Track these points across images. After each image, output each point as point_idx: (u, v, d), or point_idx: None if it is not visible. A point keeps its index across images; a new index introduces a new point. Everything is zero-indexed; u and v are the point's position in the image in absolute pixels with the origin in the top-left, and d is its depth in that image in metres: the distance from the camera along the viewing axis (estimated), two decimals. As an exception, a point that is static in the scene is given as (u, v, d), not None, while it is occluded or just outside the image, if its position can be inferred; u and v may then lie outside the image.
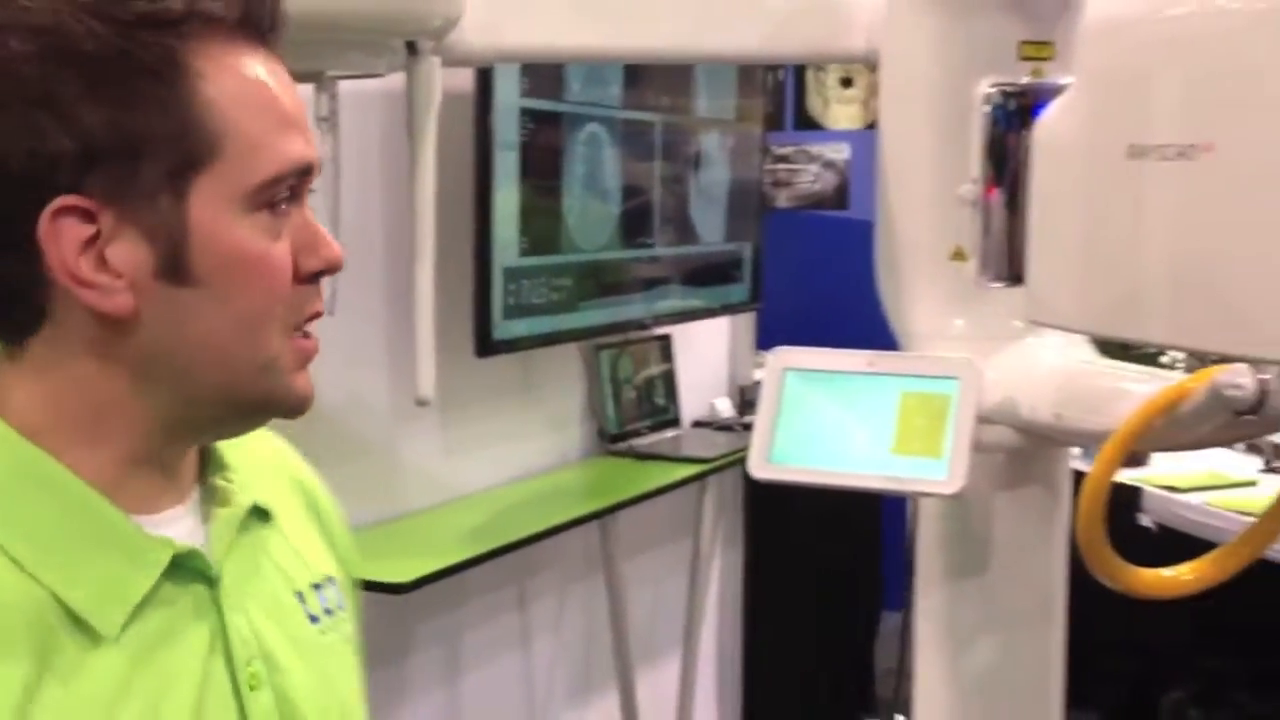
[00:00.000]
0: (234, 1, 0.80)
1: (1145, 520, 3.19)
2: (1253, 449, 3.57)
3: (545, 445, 3.10)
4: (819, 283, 4.39)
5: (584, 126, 2.98)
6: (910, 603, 1.61)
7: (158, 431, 0.82)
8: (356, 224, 1.43)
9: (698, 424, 3.59)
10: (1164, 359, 2.98)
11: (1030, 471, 1.49)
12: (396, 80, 1.61)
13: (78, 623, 0.77)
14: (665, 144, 3.29)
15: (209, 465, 0.88)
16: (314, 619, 0.91)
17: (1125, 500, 3.21)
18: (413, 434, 2.72)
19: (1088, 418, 1.31)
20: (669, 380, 3.46)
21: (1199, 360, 1.18)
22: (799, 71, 4.93)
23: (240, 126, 0.79)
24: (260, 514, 0.90)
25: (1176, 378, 1.20)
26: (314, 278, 0.84)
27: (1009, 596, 1.52)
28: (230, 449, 0.90)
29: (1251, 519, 1.34)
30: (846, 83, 4.95)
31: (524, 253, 2.80)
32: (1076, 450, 1.82)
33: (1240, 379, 1.09)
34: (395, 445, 2.69)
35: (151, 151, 0.77)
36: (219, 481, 0.88)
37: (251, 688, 0.84)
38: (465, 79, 2.58)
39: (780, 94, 4.98)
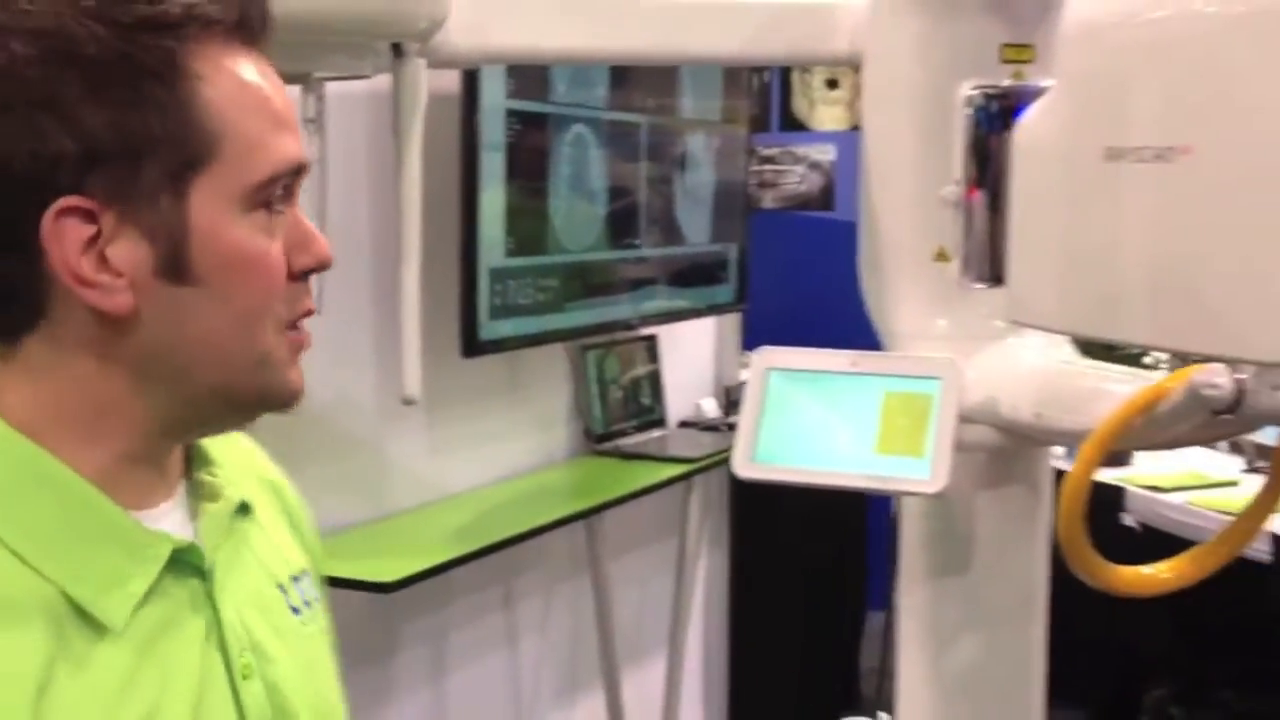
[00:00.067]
0: (230, 5, 0.81)
1: (1128, 520, 3.21)
2: (1235, 449, 3.59)
3: (531, 445, 3.11)
4: (804, 283, 4.40)
5: (570, 128, 2.99)
6: (894, 602, 1.62)
7: (155, 428, 0.84)
8: (343, 224, 1.43)
9: (683, 424, 3.60)
10: (1146, 359, 3.00)
11: (1012, 471, 1.50)
12: (382, 81, 1.62)
13: (83, 616, 0.79)
14: (651, 145, 3.30)
15: (194, 461, 0.90)
16: (295, 610, 0.94)
17: (1108, 500, 3.23)
18: (399, 434, 2.72)
19: (1067, 417, 1.32)
20: (655, 380, 3.47)
21: (1181, 361, 1.19)
22: (785, 73, 4.95)
23: (238, 127, 0.81)
24: (242, 508, 0.92)
25: (1156, 378, 1.21)
26: (305, 275, 0.86)
27: (991, 594, 1.53)
28: (212, 445, 0.91)
29: (1233, 518, 1.35)
30: (832, 84, 4.97)
31: (510, 253, 2.81)
32: (1059, 450, 1.83)
33: (1217, 379, 1.10)
34: (381, 445, 2.69)
35: (152, 152, 0.79)
36: (204, 477, 0.90)
37: (244, 677, 0.86)
38: (451, 80, 2.59)
39: (766, 95, 4.99)
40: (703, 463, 3.22)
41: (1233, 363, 1.09)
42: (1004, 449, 1.46)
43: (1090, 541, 1.24)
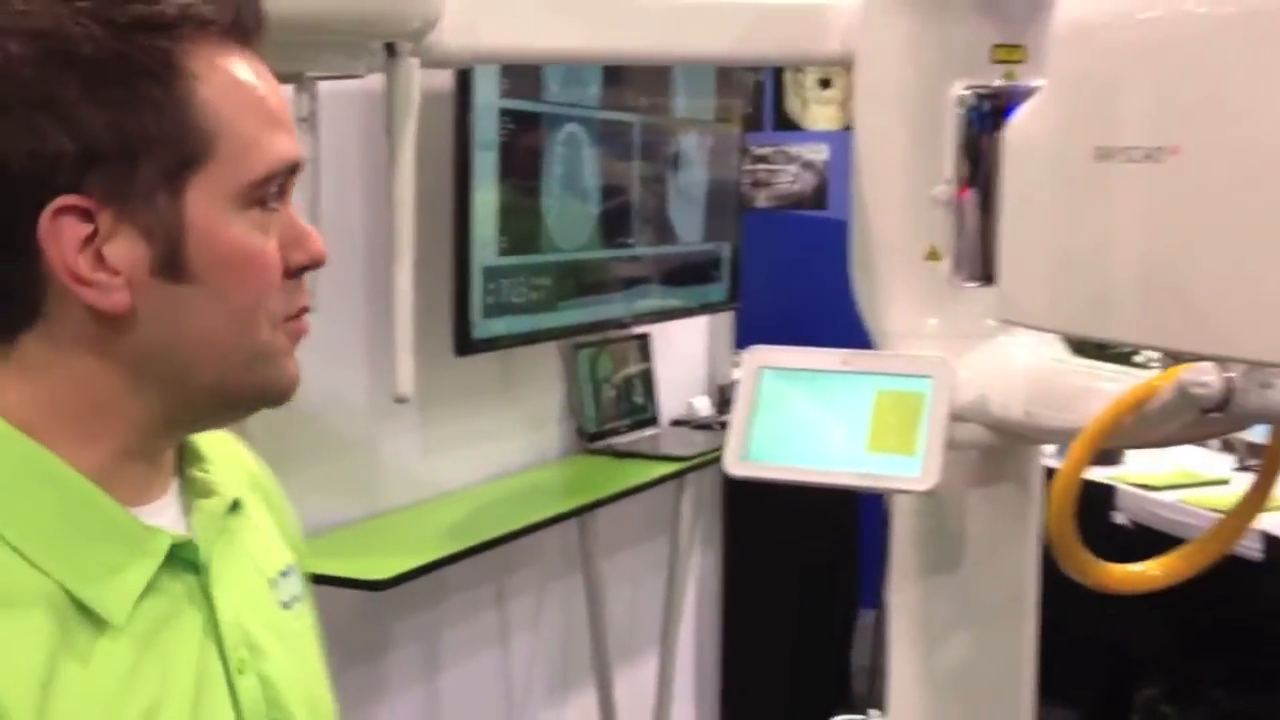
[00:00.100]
0: (225, 6, 0.82)
1: (1120, 518, 3.22)
2: (1227, 447, 3.60)
3: (524, 444, 3.11)
4: (798, 282, 4.40)
5: (563, 127, 2.99)
6: (886, 600, 1.63)
7: (151, 425, 0.84)
8: (336, 223, 1.43)
9: (676, 423, 3.60)
10: (1138, 358, 3.01)
11: (1003, 469, 1.51)
12: (375, 80, 1.62)
13: (85, 611, 0.79)
14: (644, 144, 3.30)
15: (185, 457, 0.90)
16: (285, 605, 0.95)
17: (1100, 498, 3.24)
18: (392, 432, 2.73)
19: (1058, 415, 1.32)
20: (647, 379, 3.48)
21: (1173, 359, 1.19)
22: (778, 72, 4.95)
23: (233, 126, 0.82)
24: (234, 505, 0.93)
25: (1146, 376, 1.22)
26: (300, 273, 0.87)
27: (982, 592, 1.53)
28: (202, 442, 0.92)
29: (1224, 516, 1.36)
30: (825, 84, 4.97)
31: (503, 252, 2.81)
32: (1051, 449, 1.84)
33: (1206, 377, 1.10)
34: (374, 443, 2.70)
35: (149, 151, 0.79)
36: (196, 473, 0.91)
37: (239, 672, 0.87)
38: (445, 79, 2.59)
39: (759, 95, 4.99)
40: (695, 461, 3.23)
41: (1221, 361, 1.10)
42: (995, 447, 1.46)
43: (1080, 539, 1.25)
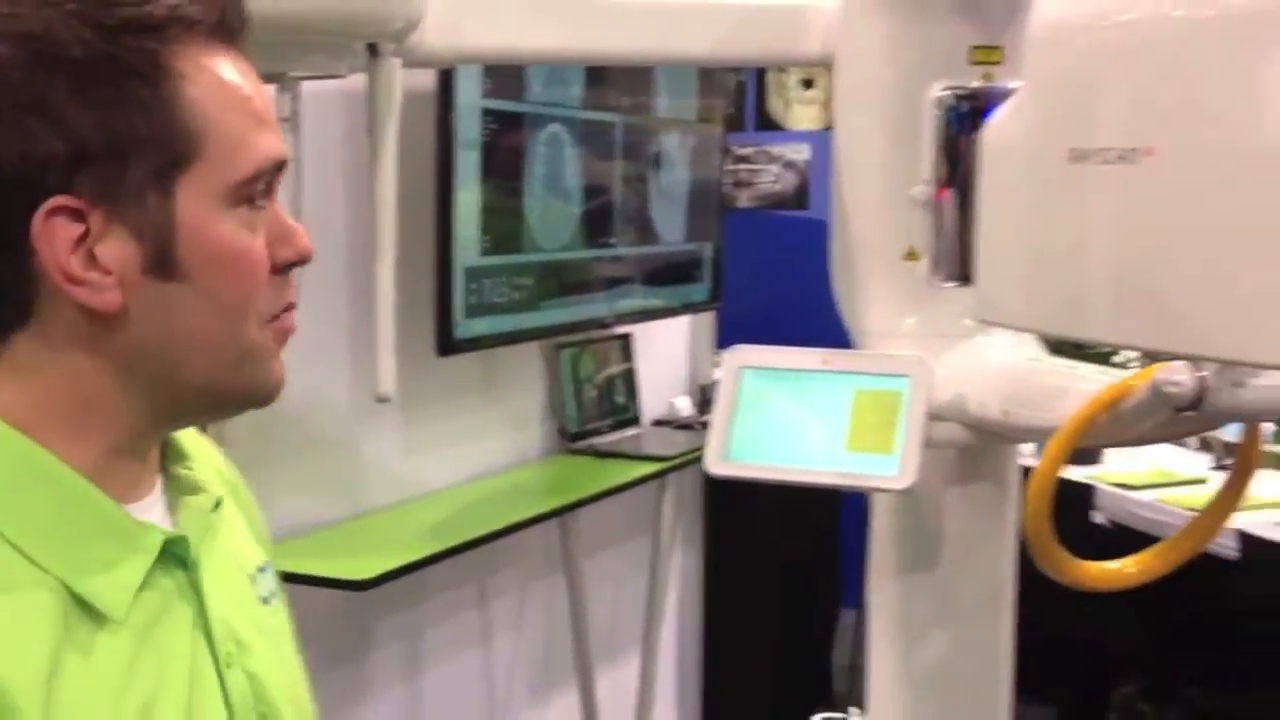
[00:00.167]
0: (212, 6, 0.83)
1: (1098, 517, 3.24)
2: (1204, 447, 3.62)
3: (506, 443, 3.12)
4: (779, 282, 4.42)
5: (545, 127, 2.99)
6: (866, 599, 1.64)
7: (141, 422, 0.86)
8: (318, 223, 1.43)
9: (658, 422, 3.61)
10: (1116, 358, 3.03)
11: (980, 468, 1.52)
12: (358, 80, 1.62)
13: (84, 606, 0.80)
14: (626, 144, 3.31)
15: (169, 454, 0.91)
16: (264, 600, 0.96)
17: (1079, 497, 3.25)
18: (374, 432, 2.73)
19: (1034, 414, 1.33)
20: (629, 379, 3.48)
21: (1151, 359, 1.21)
22: (760, 72, 4.96)
23: (221, 126, 0.82)
24: (218, 502, 0.94)
25: (1120, 376, 1.23)
26: (286, 269, 0.88)
27: (959, 590, 1.54)
28: (184, 439, 0.93)
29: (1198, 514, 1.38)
30: (807, 84, 4.98)
31: (485, 252, 2.82)
32: (1029, 448, 1.85)
33: (1179, 376, 1.12)
34: (356, 443, 2.70)
35: (138, 152, 0.80)
36: (181, 470, 0.92)
37: (228, 666, 0.88)
38: (427, 79, 2.59)
39: (742, 95, 5.00)
40: (677, 461, 3.23)
41: (1194, 360, 1.11)
42: (972, 446, 1.47)
43: (1056, 537, 1.26)
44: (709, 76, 3.63)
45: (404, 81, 1.58)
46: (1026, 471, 1.31)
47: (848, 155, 1.54)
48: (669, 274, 3.56)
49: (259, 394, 0.88)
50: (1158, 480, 3.37)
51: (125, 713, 0.80)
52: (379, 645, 2.79)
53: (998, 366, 1.42)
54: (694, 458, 3.16)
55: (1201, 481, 3.36)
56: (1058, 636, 2.67)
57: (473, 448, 3.01)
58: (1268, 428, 2.64)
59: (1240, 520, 2.81)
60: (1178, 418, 1.16)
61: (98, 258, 0.80)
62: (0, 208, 0.79)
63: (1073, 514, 3.12)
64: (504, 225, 2.88)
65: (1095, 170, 1.07)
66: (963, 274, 1.39)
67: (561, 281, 3.09)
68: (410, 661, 2.89)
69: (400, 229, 1.64)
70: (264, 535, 1.04)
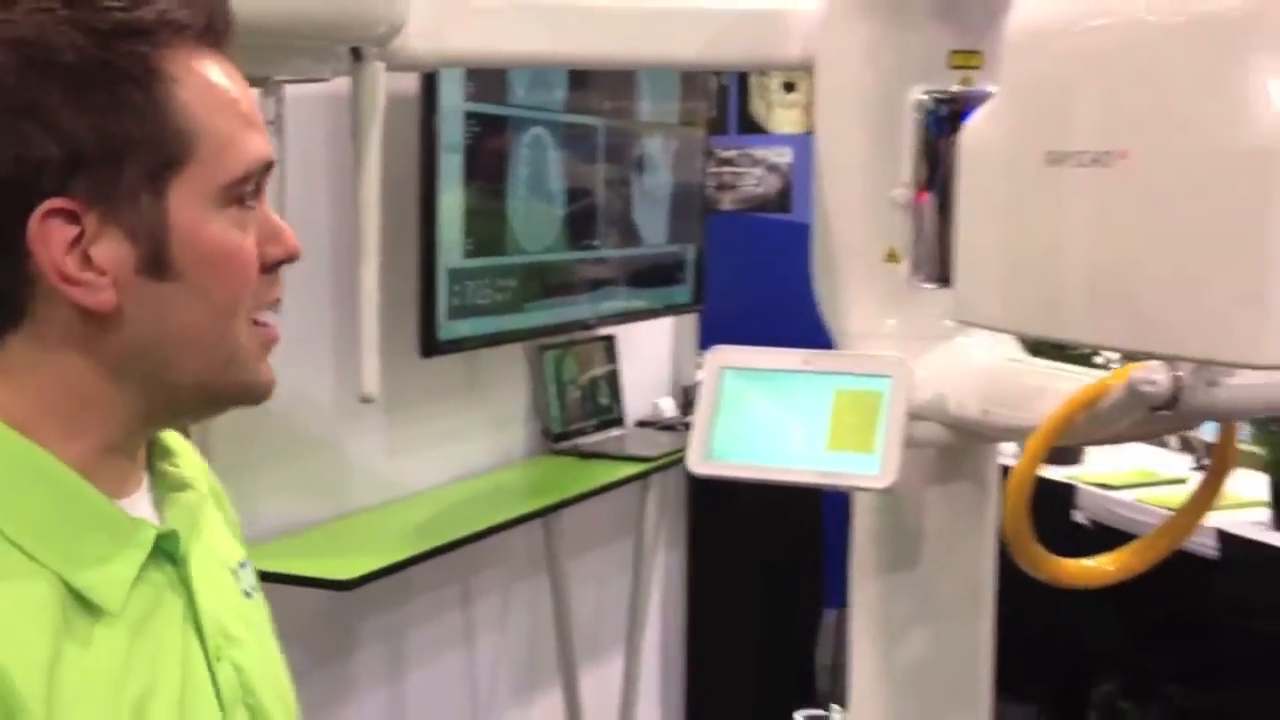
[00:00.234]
0: (199, 11, 0.84)
1: (1079, 517, 3.26)
2: (1186, 447, 3.64)
3: (489, 444, 3.13)
4: (762, 284, 4.43)
5: (528, 130, 3.00)
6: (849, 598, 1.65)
7: (134, 420, 0.87)
8: (302, 225, 1.43)
9: (641, 423, 3.62)
10: (1097, 359, 3.05)
11: (960, 467, 1.54)
12: (341, 84, 1.63)
13: (82, 600, 0.82)
14: (609, 147, 3.32)
15: (155, 451, 0.92)
16: (247, 595, 0.97)
17: (1060, 497, 3.27)
18: (358, 433, 2.73)
19: (1013, 414, 1.35)
20: (613, 380, 3.49)
21: (1129, 360, 1.22)
22: (743, 76, 4.98)
23: (211, 127, 0.84)
24: (202, 498, 0.95)
25: (1098, 376, 1.24)
26: (275, 267, 0.89)
27: (939, 589, 1.56)
28: (169, 437, 0.94)
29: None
30: (789, 87, 5.00)
31: (468, 254, 2.83)
32: (1010, 448, 1.86)
33: (1155, 376, 1.13)
34: (340, 444, 2.71)
35: (132, 154, 0.81)
36: (167, 467, 0.93)
37: (217, 658, 0.89)
38: (410, 82, 2.60)
39: (724, 98, 5.02)
40: (660, 461, 3.24)
41: (1169, 360, 1.13)
42: (952, 446, 1.49)
43: (1035, 535, 1.28)
44: (691, 80, 3.65)
45: (387, 85, 1.59)
46: (1006, 471, 1.33)
47: (829, 158, 1.55)
48: (652, 276, 3.57)
49: (250, 394, 0.90)
50: (1138, 480, 3.39)
51: (122, 703, 0.82)
52: (363, 645, 2.80)
53: (977, 366, 1.43)
54: (677, 458, 3.17)
55: (1182, 481, 3.39)
56: (1039, 635, 2.69)
57: (456, 449, 3.02)
58: (1244, 427, 2.66)
59: (1220, 519, 2.83)
60: (1154, 417, 1.17)
61: (93, 258, 0.82)
62: None
63: (1054, 513, 3.14)
64: (487, 227, 2.89)
65: (1070, 173, 1.09)
66: (943, 275, 1.40)
67: (545, 283, 3.10)
68: (394, 661, 2.90)
69: (384, 231, 1.65)
70: (239, 531, 1.05)
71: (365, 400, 1.67)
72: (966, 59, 1.45)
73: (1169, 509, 3.00)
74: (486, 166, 2.87)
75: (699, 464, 1.44)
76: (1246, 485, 2.92)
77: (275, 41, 1.43)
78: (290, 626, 1.03)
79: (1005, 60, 1.19)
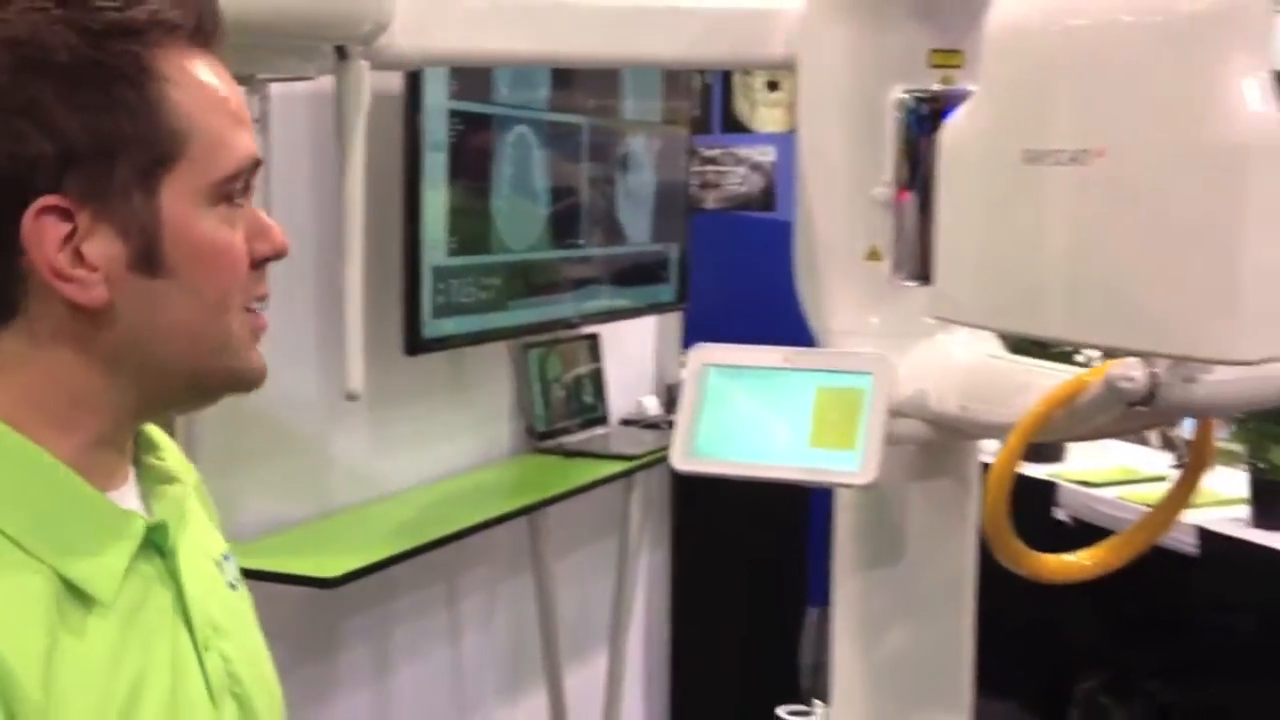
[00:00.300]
0: (190, 10, 0.85)
1: (1060, 514, 3.27)
2: (1167, 445, 3.66)
3: (474, 443, 3.13)
4: (745, 282, 4.44)
5: (512, 128, 3.01)
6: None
7: (125, 413, 0.89)
8: (286, 223, 1.44)
9: (625, 422, 3.63)
10: (1079, 358, 3.06)
11: (941, 464, 1.55)
12: (325, 82, 1.63)
13: (74, 591, 0.83)
14: (592, 146, 3.33)
15: (140, 445, 0.93)
16: (232, 586, 0.99)
17: (1041, 495, 3.28)
18: (342, 431, 2.74)
19: (992, 409, 1.36)
20: (597, 379, 3.50)
21: (1108, 356, 1.23)
22: (726, 75, 4.98)
23: (203, 126, 0.85)
24: (188, 491, 0.97)
25: (1076, 372, 1.25)
26: (262, 263, 0.91)
27: (921, 584, 1.57)
28: (154, 431, 0.95)
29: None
30: (773, 86, 5.01)
31: (453, 252, 2.83)
32: (992, 445, 1.87)
33: (1132, 372, 1.14)
34: (325, 442, 2.71)
35: (124, 152, 0.83)
36: (153, 461, 0.94)
37: (205, 649, 0.91)
38: (394, 80, 2.61)
39: (708, 97, 5.02)
40: (644, 460, 3.25)
41: (1146, 356, 1.14)
42: (933, 442, 1.50)
43: (1014, 530, 1.29)
44: (675, 79, 3.66)
45: (372, 83, 1.60)
46: (987, 468, 1.34)
47: (810, 157, 1.56)
48: (636, 274, 3.58)
49: (242, 380, 0.91)
50: (1119, 478, 3.41)
51: (117, 691, 0.83)
52: (347, 644, 2.80)
53: (957, 363, 1.44)
54: (661, 456, 3.16)
55: (1163, 479, 3.40)
56: (1020, 632, 2.70)
57: (441, 447, 3.02)
58: (1222, 425, 2.68)
59: (1199, 517, 2.85)
60: (1131, 412, 1.18)
61: (85, 255, 0.83)
62: None
63: (1035, 511, 3.16)
64: (471, 226, 2.90)
65: (1049, 171, 1.10)
66: (924, 273, 1.41)
67: (529, 282, 3.11)
68: (378, 660, 2.90)
69: (368, 229, 1.66)
70: (220, 525, 1.06)
71: (350, 397, 1.67)
72: (947, 58, 1.46)
73: (1150, 506, 3.02)
74: (470, 165, 2.87)
75: (682, 461, 1.45)
76: (1226, 483, 2.93)
77: (261, 39, 1.44)
78: (274, 625, 1.03)
79: (984, 59, 1.20)
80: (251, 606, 1.02)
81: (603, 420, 3.50)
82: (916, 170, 1.44)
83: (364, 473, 2.80)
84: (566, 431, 3.33)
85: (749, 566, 3.91)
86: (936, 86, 1.45)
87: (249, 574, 1.05)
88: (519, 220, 3.06)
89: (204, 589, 0.93)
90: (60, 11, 0.81)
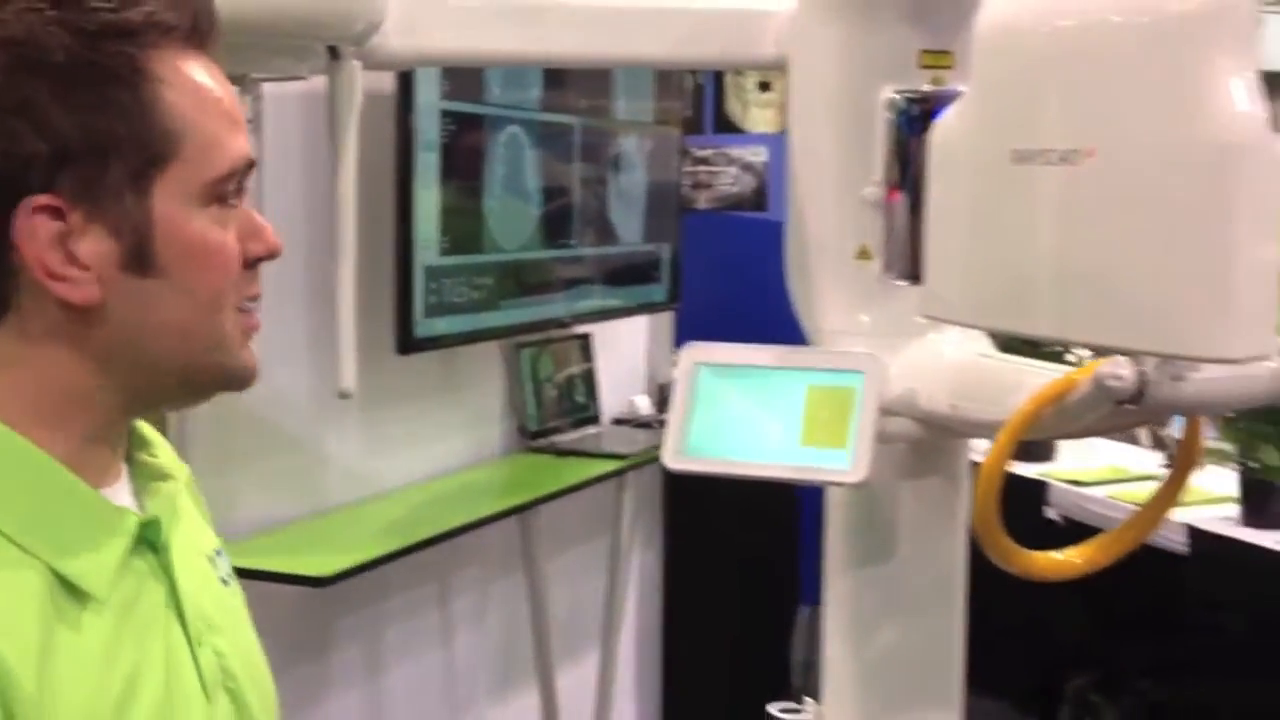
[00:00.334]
0: (185, 12, 0.86)
1: (1051, 513, 3.28)
2: (1158, 444, 3.66)
3: (466, 442, 3.14)
4: (737, 282, 4.44)
5: (504, 128, 3.02)
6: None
7: (117, 410, 0.89)
8: (279, 222, 1.44)
9: (617, 421, 3.64)
10: (1070, 357, 3.07)
11: (931, 462, 1.55)
12: (318, 82, 1.64)
13: (69, 587, 0.84)
14: (585, 146, 3.33)
15: (133, 442, 0.94)
16: (224, 582, 0.99)
17: (1032, 494, 3.29)
18: (334, 430, 2.74)
19: (982, 408, 1.36)
20: (589, 378, 3.51)
21: (1097, 355, 1.24)
22: (718, 75, 4.99)
23: (197, 127, 0.86)
24: (181, 487, 0.97)
25: (1066, 371, 1.26)
26: (255, 263, 0.91)
27: (911, 582, 1.57)
28: (146, 428, 0.96)
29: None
30: (765, 87, 5.01)
31: (445, 252, 2.84)
32: (983, 444, 1.88)
33: (1121, 370, 1.15)
34: (317, 441, 2.71)
35: (118, 152, 0.83)
36: (145, 457, 0.95)
37: (199, 643, 0.91)
38: (386, 80, 2.61)
39: (700, 97, 5.03)
40: (636, 459, 3.26)
41: (1135, 355, 1.14)
42: (923, 441, 1.50)
43: (1004, 528, 1.30)
44: (667, 79, 3.66)
45: (364, 83, 1.60)
46: (977, 466, 1.35)
47: (801, 157, 1.57)
48: (628, 274, 3.59)
49: (234, 379, 0.92)
50: (1110, 477, 3.41)
51: (111, 686, 0.83)
52: (339, 643, 2.81)
53: (948, 362, 1.45)
54: (653, 456, 3.17)
55: (1153, 478, 3.39)
56: (1011, 630, 2.71)
57: (433, 446, 3.03)
58: (1209, 425, 2.69)
59: (1189, 515, 2.86)
60: (1120, 410, 1.19)
61: (77, 254, 0.83)
62: None
63: (1026, 510, 3.16)
64: (463, 225, 2.90)
65: (1038, 171, 1.11)
66: (914, 273, 1.42)
67: (521, 281, 3.12)
68: (370, 659, 2.91)
69: (360, 229, 1.66)
70: (211, 521, 1.07)
71: (343, 395, 1.68)
72: (937, 59, 1.47)
73: (1140, 505, 3.03)
74: (463, 165, 2.88)
75: (674, 460, 1.46)
76: (1216, 481, 2.94)
77: (253, 39, 1.44)
78: (266, 623, 1.04)
79: (974, 60, 1.21)
80: (244, 603, 1.03)
81: (595, 420, 3.50)
82: (907, 170, 1.44)
83: (356, 472, 2.80)
84: (558, 431, 3.34)
85: (741, 566, 3.92)
86: (927, 87, 1.45)
87: (240, 573, 1.05)
88: (511, 220, 3.07)
89: (197, 584, 0.93)
90: (56, 12, 0.82)
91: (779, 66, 1.59)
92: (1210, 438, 2.76)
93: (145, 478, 0.94)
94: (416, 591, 3.01)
